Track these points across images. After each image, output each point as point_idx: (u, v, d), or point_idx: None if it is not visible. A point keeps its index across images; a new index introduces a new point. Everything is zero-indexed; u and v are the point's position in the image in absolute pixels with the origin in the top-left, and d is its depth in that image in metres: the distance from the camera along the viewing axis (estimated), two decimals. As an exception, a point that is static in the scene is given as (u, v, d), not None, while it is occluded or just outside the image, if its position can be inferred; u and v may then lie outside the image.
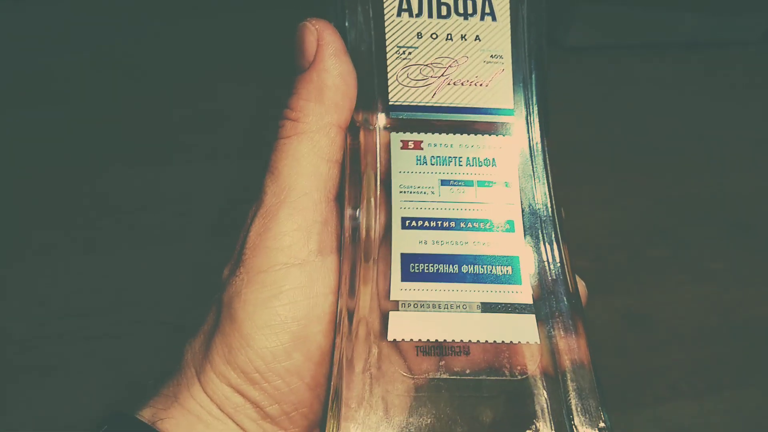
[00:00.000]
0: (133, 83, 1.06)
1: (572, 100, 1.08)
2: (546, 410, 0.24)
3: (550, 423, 0.24)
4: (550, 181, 0.27)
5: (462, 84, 0.27)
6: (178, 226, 0.84)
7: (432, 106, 0.27)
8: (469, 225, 0.26)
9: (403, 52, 0.27)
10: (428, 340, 0.25)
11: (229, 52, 1.15)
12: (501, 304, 0.25)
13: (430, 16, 0.27)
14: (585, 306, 0.27)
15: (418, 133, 0.27)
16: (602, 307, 0.79)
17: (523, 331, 0.25)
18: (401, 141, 0.27)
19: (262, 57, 1.08)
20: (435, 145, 0.27)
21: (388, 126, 0.27)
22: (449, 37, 0.27)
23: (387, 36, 0.27)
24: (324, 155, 0.26)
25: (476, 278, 0.26)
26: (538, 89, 0.28)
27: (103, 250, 0.81)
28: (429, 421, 0.24)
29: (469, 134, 0.27)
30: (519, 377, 0.25)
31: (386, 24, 0.27)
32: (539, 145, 0.28)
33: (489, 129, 0.27)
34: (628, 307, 0.80)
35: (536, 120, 0.28)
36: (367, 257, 0.26)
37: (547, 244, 0.27)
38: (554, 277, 0.26)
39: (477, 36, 0.28)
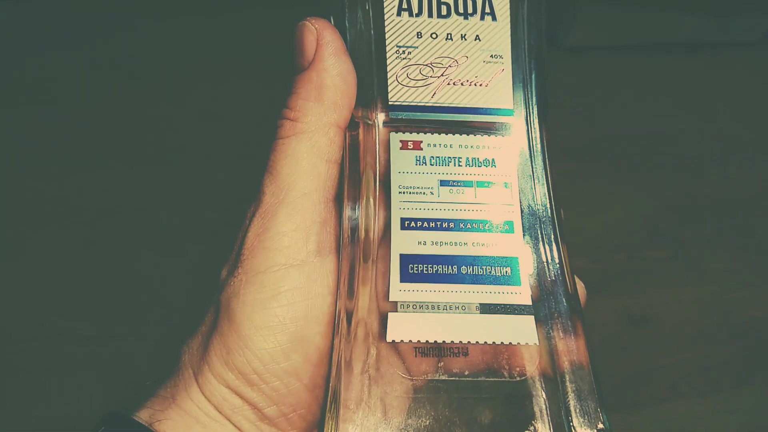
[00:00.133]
0: (132, 83, 1.06)
1: (572, 100, 1.08)
2: (545, 411, 0.24)
3: (549, 424, 0.24)
4: (550, 181, 0.27)
5: (462, 84, 0.27)
6: (177, 226, 0.84)
7: (431, 106, 0.27)
8: (469, 226, 0.26)
9: (403, 52, 0.27)
10: (427, 341, 0.25)
11: (229, 51, 1.15)
12: (500, 305, 0.25)
13: (430, 15, 0.27)
14: (584, 307, 0.27)
15: (418, 133, 0.27)
16: (602, 308, 0.79)
17: (522, 332, 0.25)
18: (400, 141, 0.27)
19: (262, 56, 1.08)
20: (434, 146, 0.27)
21: (388, 126, 0.27)
22: (449, 36, 0.27)
23: (387, 35, 0.27)
24: (323, 155, 0.26)
25: (475, 279, 0.26)
26: (538, 89, 0.28)
27: (102, 250, 0.81)
28: (427, 423, 0.24)
29: (468, 134, 0.27)
30: (518, 378, 0.25)
31: (386, 23, 0.27)
32: (539, 146, 0.28)
33: (488, 129, 0.27)
34: (628, 308, 0.80)
35: (536, 120, 0.28)
36: (366, 258, 0.26)
37: (546, 244, 0.27)
38: (553, 278, 0.26)
39: (477, 36, 0.27)
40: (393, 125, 0.27)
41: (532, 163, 0.27)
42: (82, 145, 0.94)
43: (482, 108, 0.27)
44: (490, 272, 0.26)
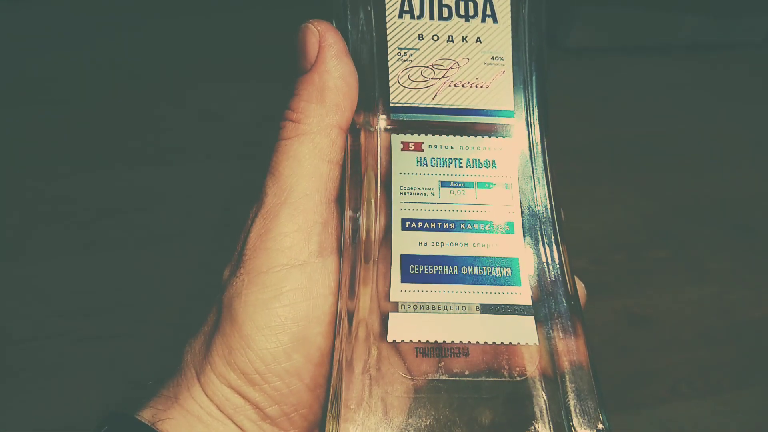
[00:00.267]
0: (132, 83, 1.06)
1: (573, 101, 1.08)
2: (545, 411, 0.24)
3: (549, 424, 0.24)
4: (550, 182, 0.27)
5: (463, 85, 0.27)
6: (177, 226, 0.84)
7: (433, 108, 0.27)
8: (469, 226, 0.26)
9: (405, 54, 0.27)
10: (428, 341, 0.25)
11: (229, 51, 1.15)
12: (500, 305, 0.25)
13: (432, 17, 0.27)
14: (584, 307, 0.27)
15: (419, 134, 0.27)
16: (602, 308, 0.79)
17: (522, 332, 0.25)
18: (402, 142, 0.27)
19: (262, 56, 1.08)
20: (435, 147, 0.27)
21: (389, 127, 0.27)
22: (450, 38, 0.27)
23: (388, 37, 0.27)
24: (325, 156, 0.26)
25: (476, 279, 0.26)
26: (539, 91, 0.28)
27: (102, 250, 0.81)
28: (428, 422, 0.24)
29: (469, 136, 0.27)
30: (518, 378, 0.25)
31: (388, 26, 0.27)
32: (539, 147, 0.28)
33: (489, 130, 0.27)
34: (628, 308, 0.80)
35: (536, 121, 0.28)
36: (367, 258, 0.26)
37: (546, 245, 0.27)
38: (553, 279, 0.26)
39: (478, 38, 0.28)
40: (394, 126, 0.27)
41: (532, 164, 0.27)
42: (82, 145, 0.94)
43: (483, 109, 0.27)
44: (491, 273, 0.26)
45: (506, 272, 0.26)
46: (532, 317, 0.25)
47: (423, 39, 0.27)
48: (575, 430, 0.24)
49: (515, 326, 0.25)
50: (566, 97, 1.06)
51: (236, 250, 0.26)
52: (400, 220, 0.26)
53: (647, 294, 0.83)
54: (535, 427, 0.24)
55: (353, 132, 0.27)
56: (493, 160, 0.27)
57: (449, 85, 0.27)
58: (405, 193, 0.26)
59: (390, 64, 0.27)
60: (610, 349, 0.75)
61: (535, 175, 0.27)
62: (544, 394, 0.25)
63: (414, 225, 0.26)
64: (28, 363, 0.69)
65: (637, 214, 0.93)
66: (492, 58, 0.28)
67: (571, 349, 0.25)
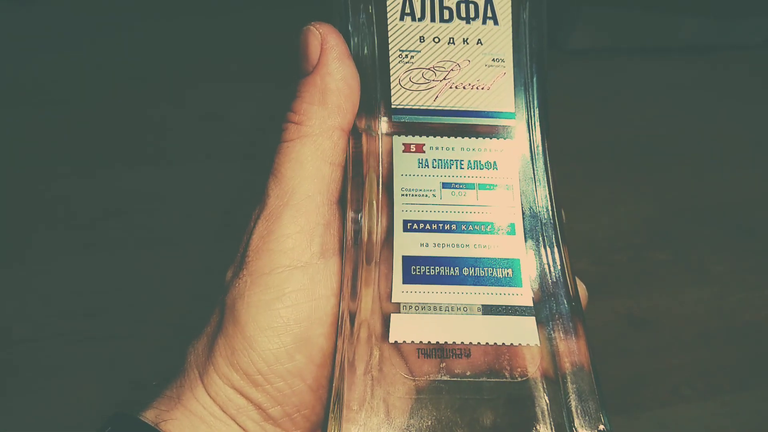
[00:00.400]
0: (132, 83, 1.06)
1: (574, 102, 1.08)
2: (546, 412, 0.24)
3: (550, 425, 0.24)
4: (551, 184, 0.28)
5: (464, 87, 0.27)
6: (181, 227, 0.84)
7: (434, 110, 0.27)
8: (470, 228, 0.26)
9: (406, 56, 0.27)
10: (429, 342, 0.25)
11: (229, 51, 1.15)
12: (501, 306, 0.25)
13: (433, 20, 0.28)
14: (585, 308, 0.27)
15: (420, 136, 0.27)
16: (603, 310, 0.79)
17: (524, 333, 0.25)
18: (403, 144, 0.27)
19: (262, 56, 1.08)
20: (437, 148, 0.27)
21: (391, 129, 0.27)
22: (451, 41, 0.28)
23: (390, 40, 0.27)
24: (327, 158, 0.26)
25: (477, 281, 0.26)
26: (539, 92, 0.28)
27: (103, 251, 0.81)
28: (430, 423, 0.24)
29: (470, 137, 0.27)
30: (519, 379, 0.25)
31: (389, 28, 0.27)
32: (540, 148, 0.28)
33: (490, 132, 0.27)
34: (629, 310, 0.80)
35: (537, 123, 0.28)
36: (369, 260, 0.26)
37: (547, 246, 0.27)
38: (554, 280, 0.26)
39: (479, 40, 0.28)
40: (396, 128, 0.27)
41: (533, 165, 0.28)
42: (83, 145, 0.94)
43: (484, 111, 0.27)
44: (492, 274, 0.26)
45: (507, 273, 0.26)
46: (534, 318, 0.26)
47: (424, 41, 0.27)
48: (576, 430, 0.24)
49: (516, 327, 0.25)
50: (567, 97, 1.06)
51: (239, 252, 0.26)
52: (402, 221, 0.26)
53: (648, 295, 0.83)
54: (536, 428, 0.24)
55: (355, 134, 0.27)
56: (494, 162, 0.27)
57: (450, 87, 0.27)
58: (406, 195, 0.26)
59: (391, 66, 0.27)
60: (610, 351, 0.75)
61: (536, 177, 0.27)
62: (545, 395, 0.25)
63: (415, 226, 0.26)
64: (28, 363, 0.69)
65: (638, 215, 0.93)
66: (493, 59, 0.28)
67: (572, 350, 0.25)
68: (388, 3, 0.27)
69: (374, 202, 0.26)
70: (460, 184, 0.27)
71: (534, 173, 0.27)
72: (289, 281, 0.25)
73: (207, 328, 0.26)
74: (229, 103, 1.04)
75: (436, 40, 0.28)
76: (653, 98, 1.16)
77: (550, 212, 0.27)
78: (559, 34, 1.19)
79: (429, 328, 0.25)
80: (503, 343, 0.25)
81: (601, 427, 0.24)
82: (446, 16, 0.28)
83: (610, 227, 0.91)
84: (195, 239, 0.82)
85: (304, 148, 0.26)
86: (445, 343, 0.25)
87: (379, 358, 0.25)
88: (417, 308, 0.25)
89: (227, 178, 0.90)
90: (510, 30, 0.28)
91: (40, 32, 1.15)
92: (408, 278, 0.25)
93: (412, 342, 0.25)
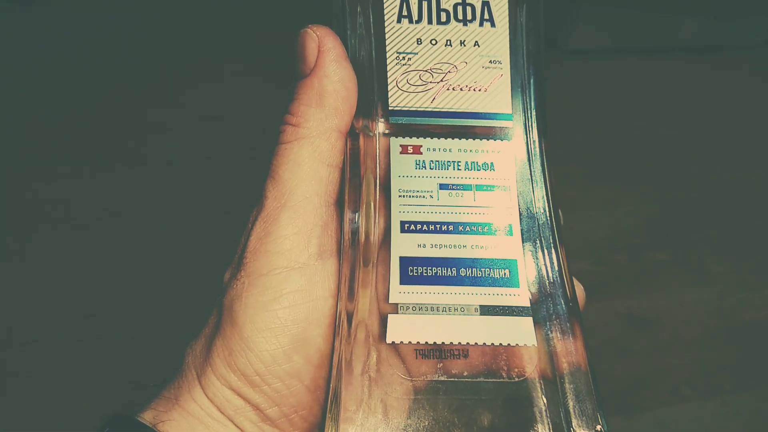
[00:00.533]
0: (132, 83, 1.06)
1: (573, 102, 1.08)
2: (543, 413, 0.24)
3: (548, 425, 0.24)
4: (549, 185, 0.28)
5: (461, 89, 0.27)
6: (181, 227, 0.84)
7: (431, 111, 0.27)
8: (468, 228, 0.26)
9: (403, 58, 0.27)
10: (427, 342, 0.25)
11: (229, 51, 1.15)
12: (499, 306, 0.26)
13: (430, 22, 0.28)
14: (583, 309, 0.27)
15: (418, 137, 0.27)
16: (603, 310, 0.79)
17: (521, 333, 0.25)
18: (400, 145, 0.27)
19: (262, 56, 1.08)
20: (434, 150, 0.27)
21: (388, 131, 0.27)
22: (448, 42, 0.28)
23: (387, 42, 0.27)
24: (324, 160, 0.26)
25: (474, 281, 0.26)
26: (537, 94, 0.28)
27: (104, 251, 0.81)
28: (427, 424, 0.24)
29: (467, 139, 0.27)
30: (517, 380, 0.25)
31: (386, 30, 0.27)
32: (537, 149, 0.28)
33: (487, 133, 0.28)
34: (629, 310, 0.80)
35: (534, 124, 0.28)
36: (367, 261, 0.26)
37: (544, 247, 0.27)
38: (552, 281, 0.26)
39: (476, 42, 0.28)
40: (393, 130, 0.27)
41: (530, 166, 0.28)
42: (82, 145, 0.94)
43: (481, 113, 0.28)
44: (490, 274, 0.26)
45: (505, 274, 0.26)
46: (531, 319, 0.26)
47: (421, 43, 0.28)
48: (574, 431, 0.24)
49: (514, 327, 0.25)
50: (566, 97, 1.06)
51: (237, 253, 0.26)
52: (399, 222, 0.26)
53: (648, 295, 0.83)
54: (534, 429, 0.24)
55: (352, 135, 0.27)
56: (492, 163, 0.27)
57: (447, 89, 0.27)
58: (404, 196, 0.27)
59: (389, 68, 0.27)
60: (610, 351, 0.75)
61: (534, 178, 0.27)
62: (543, 396, 0.25)
63: (413, 227, 0.26)
64: (28, 363, 0.69)
65: (638, 215, 0.93)
66: (490, 61, 0.28)
67: (569, 350, 0.25)
68: (385, 5, 0.27)
69: (372, 203, 0.26)
70: (457, 185, 0.27)
71: (531, 174, 0.28)
72: (287, 282, 0.25)
73: (205, 329, 0.26)
74: (229, 103, 1.04)
75: (434, 42, 0.28)
76: (653, 98, 1.16)
77: (548, 213, 0.27)
78: (559, 34, 1.19)
79: (426, 329, 0.25)
80: (501, 344, 0.25)
81: (599, 427, 0.24)
82: (443, 18, 0.28)
83: (610, 227, 0.91)
84: (195, 239, 0.82)
85: (301, 149, 0.26)
86: (443, 343, 0.25)
87: (376, 359, 0.25)
88: (414, 309, 0.25)
89: (227, 179, 0.91)
90: (507, 32, 0.28)
91: (40, 32, 1.15)
92: (405, 279, 0.26)
93: (410, 342, 0.25)
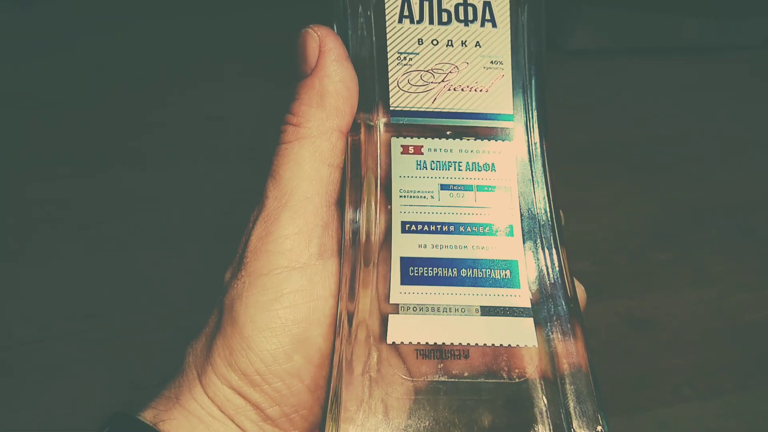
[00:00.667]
0: (132, 83, 1.06)
1: (573, 102, 1.08)
2: (544, 413, 0.24)
3: (549, 426, 0.24)
4: (550, 185, 0.28)
5: (462, 89, 0.27)
6: (181, 227, 0.84)
7: (432, 112, 0.27)
8: (469, 229, 0.26)
9: (404, 58, 0.27)
10: (427, 343, 0.25)
11: (229, 51, 1.15)
12: (500, 307, 0.26)
13: (431, 22, 0.28)
14: (584, 310, 0.27)
15: (419, 138, 0.27)
16: (604, 311, 0.79)
17: (522, 334, 0.25)
18: (401, 146, 0.27)
19: (262, 56, 1.09)
20: (435, 150, 0.27)
21: (389, 131, 0.27)
22: (450, 43, 0.28)
23: (388, 42, 0.27)
24: (325, 160, 0.26)
25: (475, 282, 0.26)
26: (538, 94, 0.28)
27: (104, 251, 0.81)
28: (427, 424, 0.24)
29: (468, 139, 0.27)
30: (517, 380, 0.25)
31: (387, 30, 0.27)
32: (538, 150, 0.28)
33: (489, 134, 0.28)
34: (630, 311, 0.80)
35: (536, 125, 0.28)
36: (367, 261, 0.26)
37: (545, 248, 0.27)
38: (553, 281, 0.26)
39: (477, 42, 0.28)
40: (394, 130, 0.27)
41: (531, 167, 0.28)
42: (83, 145, 0.94)
43: (482, 113, 0.27)
44: (490, 275, 0.26)
45: (506, 274, 0.26)
46: (532, 319, 0.26)
47: (423, 43, 0.28)
48: (575, 431, 0.24)
49: (515, 328, 0.25)
50: (567, 98, 1.06)
51: (237, 253, 0.26)
52: (400, 222, 0.26)
53: (649, 296, 0.83)
54: (534, 429, 0.24)
55: (353, 135, 0.27)
56: (493, 164, 0.27)
57: (449, 89, 0.27)
58: (405, 196, 0.27)
59: (390, 68, 0.27)
60: (611, 351, 0.75)
61: (535, 178, 0.27)
62: (543, 396, 0.25)
63: (414, 227, 0.26)
64: (29, 364, 0.69)
65: (638, 215, 0.93)
66: (491, 62, 0.28)
67: (570, 351, 0.25)
68: (386, 5, 0.27)
69: (372, 203, 0.26)
70: (458, 185, 0.27)
71: (532, 175, 0.27)
72: (288, 282, 0.25)
73: (205, 329, 0.26)
74: (229, 103, 1.04)
75: (435, 42, 0.28)
76: (653, 98, 1.16)
77: (549, 214, 0.27)
78: (559, 34, 1.19)
79: (427, 329, 0.25)
80: (501, 344, 0.25)
81: (599, 428, 0.24)
82: (444, 18, 0.28)
83: (610, 227, 0.91)
84: (195, 239, 0.82)
85: (302, 149, 0.26)
86: (444, 344, 0.25)
87: (377, 359, 0.25)
88: (415, 309, 0.25)
89: (227, 179, 0.91)
90: (508, 32, 0.28)
91: (40, 32, 1.15)
92: (406, 279, 0.26)
93: (410, 343, 0.25)
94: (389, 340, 0.25)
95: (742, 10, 1.24)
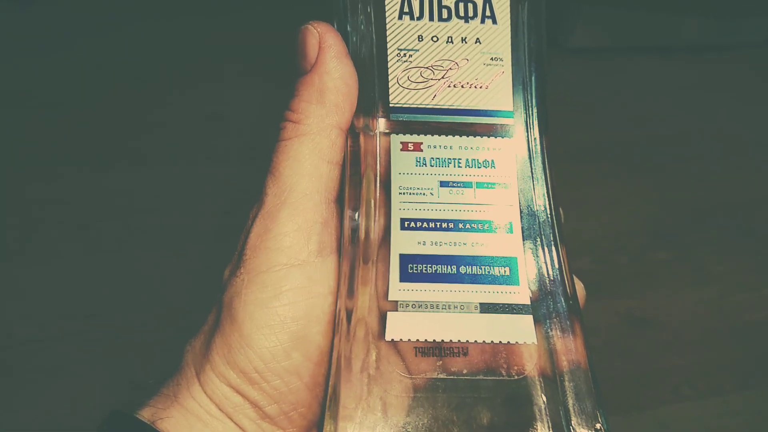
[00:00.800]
0: (132, 83, 1.06)
1: (574, 101, 1.08)
2: (543, 411, 0.24)
3: (548, 423, 0.24)
4: (549, 183, 0.28)
5: (462, 86, 0.27)
6: (181, 227, 0.84)
7: (432, 108, 0.27)
8: (468, 226, 0.26)
9: (404, 55, 0.27)
10: (426, 340, 0.25)
11: (229, 51, 1.15)
12: (499, 304, 0.25)
13: (431, 19, 0.28)
14: (583, 307, 0.27)
15: (418, 134, 0.27)
16: (603, 310, 0.79)
17: (521, 331, 0.25)
18: (401, 142, 0.27)
19: (262, 56, 1.09)
20: (434, 147, 0.27)
21: (388, 128, 0.27)
22: (450, 39, 0.28)
23: (388, 39, 0.27)
24: (325, 157, 0.26)
25: (474, 279, 0.26)
26: (538, 91, 0.28)
27: (105, 251, 0.81)
28: (426, 422, 0.24)
29: (468, 136, 0.27)
30: (516, 378, 0.25)
31: (387, 27, 0.27)
32: (538, 147, 0.28)
33: (488, 131, 0.27)
34: (630, 310, 0.80)
35: (535, 122, 0.28)
36: (366, 258, 0.26)
37: (545, 245, 0.27)
38: (552, 279, 0.26)
39: (477, 39, 0.28)
40: (393, 127, 0.27)
41: (531, 164, 0.27)
42: (83, 145, 0.94)
43: (482, 110, 0.27)
44: (489, 272, 0.26)
45: (505, 271, 0.26)
46: (531, 316, 0.25)
47: (422, 40, 0.27)
48: (574, 429, 0.24)
49: (514, 325, 0.25)
50: (567, 97, 1.06)
51: (236, 250, 0.26)
52: (399, 219, 0.26)
53: (648, 295, 0.83)
54: (533, 427, 0.24)
55: (353, 132, 0.27)
56: (492, 161, 0.27)
57: (448, 86, 0.27)
58: (404, 193, 0.26)
59: (389, 65, 0.27)
60: (611, 351, 0.75)
61: (534, 175, 0.27)
62: (542, 394, 0.25)
63: (413, 225, 0.26)
64: (29, 364, 0.69)
65: (638, 215, 0.93)
66: (491, 58, 0.28)
67: (569, 348, 0.25)
68: (386, 2, 0.27)
69: (372, 200, 0.26)
70: (457, 182, 0.27)
71: (532, 172, 0.27)
72: (287, 279, 0.25)
73: (204, 327, 0.26)
74: (229, 104, 1.04)
75: (435, 39, 0.28)
76: (653, 98, 1.16)
77: (548, 211, 0.27)
78: (559, 33, 1.19)
79: (426, 327, 0.25)
80: (500, 342, 0.25)
81: (599, 425, 0.24)
82: (445, 15, 0.28)
83: (610, 227, 0.91)
84: (195, 239, 0.82)
85: (302, 146, 0.26)
86: (443, 341, 0.25)
87: (376, 357, 0.25)
88: (414, 306, 0.25)
89: (227, 179, 0.91)
90: (508, 29, 0.28)
91: (40, 32, 1.15)
92: (405, 276, 0.25)
93: (409, 340, 0.25)
94: (388, 338, 0.25)
95: (742, 10, 1.24)
